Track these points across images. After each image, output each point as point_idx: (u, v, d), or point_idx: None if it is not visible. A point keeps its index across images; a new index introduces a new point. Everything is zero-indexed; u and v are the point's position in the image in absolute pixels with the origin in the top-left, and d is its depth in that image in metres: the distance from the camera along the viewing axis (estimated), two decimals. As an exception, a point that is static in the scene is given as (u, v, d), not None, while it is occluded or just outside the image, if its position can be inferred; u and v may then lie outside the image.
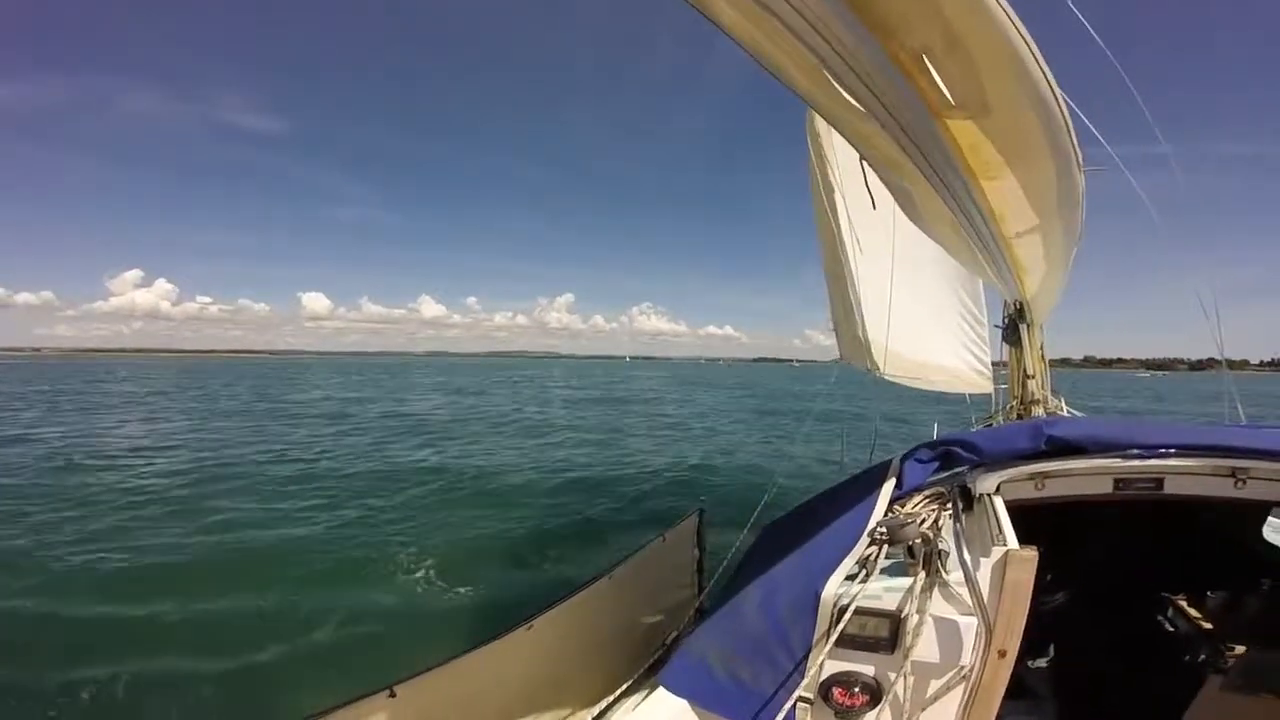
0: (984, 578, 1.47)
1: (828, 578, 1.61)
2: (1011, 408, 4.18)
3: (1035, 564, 1.41)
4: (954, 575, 1.52)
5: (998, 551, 1.48)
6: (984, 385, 5.78)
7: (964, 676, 1.43)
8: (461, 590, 5.73)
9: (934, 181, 1.39)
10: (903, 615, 1.47)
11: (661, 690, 1.74)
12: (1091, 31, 1.75)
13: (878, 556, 1.68)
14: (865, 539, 1.77)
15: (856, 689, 1.49)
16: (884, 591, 1.54)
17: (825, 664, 1.52)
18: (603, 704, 2.14)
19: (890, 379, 5.15)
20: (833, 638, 1.48)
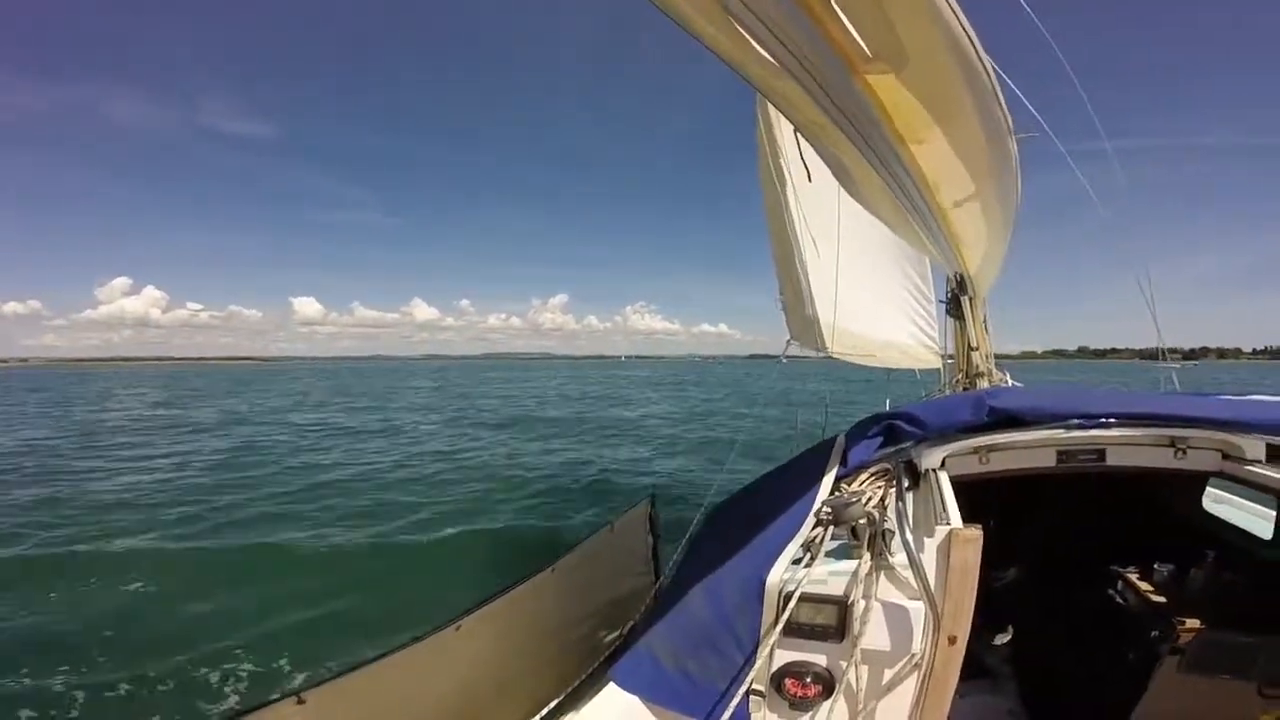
0: (929, 560, 1.36)
1: (773, 563, 1.50)
2: (958, 381, 4.14)
3: (980, 544, 1.31)
4: (899, 558, 1.41)
5: (942, 531, 1.38)
6: (932, 360, 5.71)
7: (916, 664, 1.33)
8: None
9: (860, 146, 1.28)
10: (850, 601, 1.36)
11: (612, 686, 1.62)
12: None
13: (823, 539, 1.56)
14: (811, 520, 1.65)
15: (808, 679, 1.38)
16: (829, 576, 1.42)
17: (776, 654, 1.41)
18: (553, 703, 2.03)
19: (839, 357, 5.07)
20: (779, 627, 1.37)
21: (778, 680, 1.42)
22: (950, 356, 5.67)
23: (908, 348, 5.64)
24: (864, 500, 1.66)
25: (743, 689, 1.39)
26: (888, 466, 1.94)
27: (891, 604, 1.34)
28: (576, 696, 2.05)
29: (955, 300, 3.78)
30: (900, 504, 1.66)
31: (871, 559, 1.41)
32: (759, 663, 1.41)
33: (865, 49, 0.93)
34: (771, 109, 4.46)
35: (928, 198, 1.64)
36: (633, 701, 1.56)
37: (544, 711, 2.03)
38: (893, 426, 2.00)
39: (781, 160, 4.48)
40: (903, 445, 2.01)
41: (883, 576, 1.39)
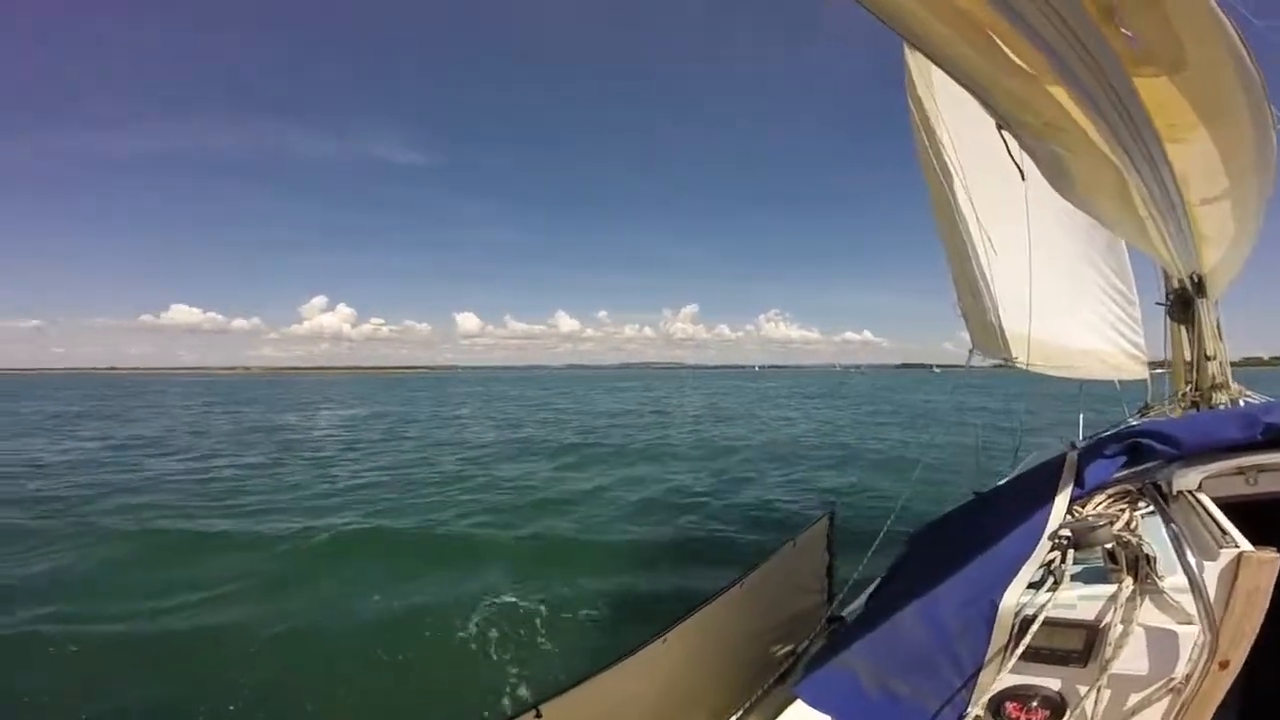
0: (1209, 583, 1.28)
1: (1005, 586, 1.45)
2: (1183, 395, 3.60)
3: (1277, 568, 1.22)
4: (1169, 581, 1.32)
5: (1226, 554, 1.29)
6: (1137, 370, 4.99)
7: (1172, 688, 1.26)
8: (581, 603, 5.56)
9: (1111, 145, 1.22)
10: (1101, 625, 1.31)
11: (799, 704, 1.62)
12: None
13: (1062, 562, 1.50)
14: (1045, 544, 1.57)
15: (1035, 703, 1.34)
16: (1078, 600, 1.37)
17: (1000, 678, 1.38)
18: (733, 717, 2.04)
19: (1031, 368, 4.59)
20: (1018, 651, 1.33)
21: (997, 705, 1.37)
22: (1160, 365, 4.94)
23: (1108, 356, 4.97)
24: (1110, 523, 1.57)
25: (956, 712, 1.37)
26: (1130, 488, 1.80)
27: (1155, 628, 1.28)
28: (754, 711, 2.07)
29: (1183, 303, 3.28)
30: (1168, 526, 1.54)
31: (1135, 583, 1.34)
32: (979, 686, 1.37)
33: (1138, 55, 0.90)
34: (929, 101, 4.18)
35: (1177, 194, 1.50)
36: (824, 719, 1.56)
37: None
38: (1138, 445, 1.83)
39: (945, 155, 4.19)
40: (1149, 465, 1.84)
41: (1147, 601, 1.31)
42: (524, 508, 9.11)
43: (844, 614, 2.60)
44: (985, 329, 4.72)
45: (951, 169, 4.15)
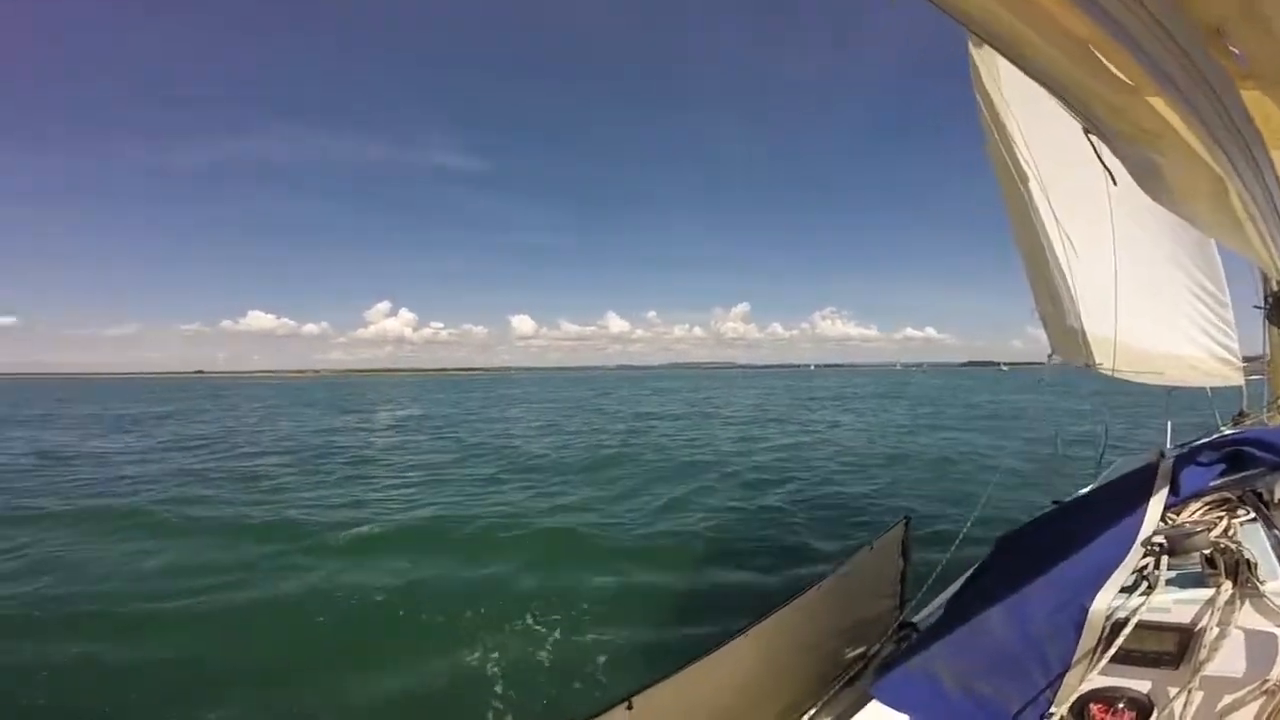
0: None
1: (1097, 590, 1.48)
2: None
3: None
4: (1270, 586, 1.35)
5: None
6: (1230, 375, 4.74)
7: (1267, 690, 1.26)
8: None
9: (1212, 152, 1.22)
10: (1197, 628, 1.34)
11: (874, 705, 1.67)
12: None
13: (1156, 567, 1.52)
14: (1138, 549, 1.59)
15: (1120, 705, 1.37)
16: (1173, 604, 1.40)
17: (1086, 680, 1.41)
18: (804, 717, 2.08)
19: (1116, 374, 4.42)
20: (1108, 653, 1.36)
21: (1080, 706, 1.40)
22: (1256, 371, 4.67)
23: (1199, 361, 4.73)
24: (1208, 529, 1.59)
25: (1038, 713, 1.39)
26: (1229, 495, 1.79)
27: (1254, 631, 1.31)
28: (824, 712, 2.11)
29: (1284, 305, 3.13)
30: (1273, 532, 1.56)
31: (1234, 587, 1.36)
32: (1064, 688, 1.40)
33: (1243, 69, 0.91)
34: (998, 97, 4.04)
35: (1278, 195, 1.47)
36: (899, 719, 1.61)
37: None
38: (1239, 453, 1.81)
39: (1019, 153, 4.07)
40: (1249, 473, 1.82)
41: (1246, 604, 1.34)
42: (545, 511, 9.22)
43: (916, 620, 2.61)
44: (1066, 333, 4.56)
45: (1026, 168, 4.04)
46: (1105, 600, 1.44)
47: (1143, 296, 4.50)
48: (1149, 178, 1.73)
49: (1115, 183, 1.87)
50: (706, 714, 1.97)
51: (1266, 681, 1.26)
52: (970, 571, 2.47)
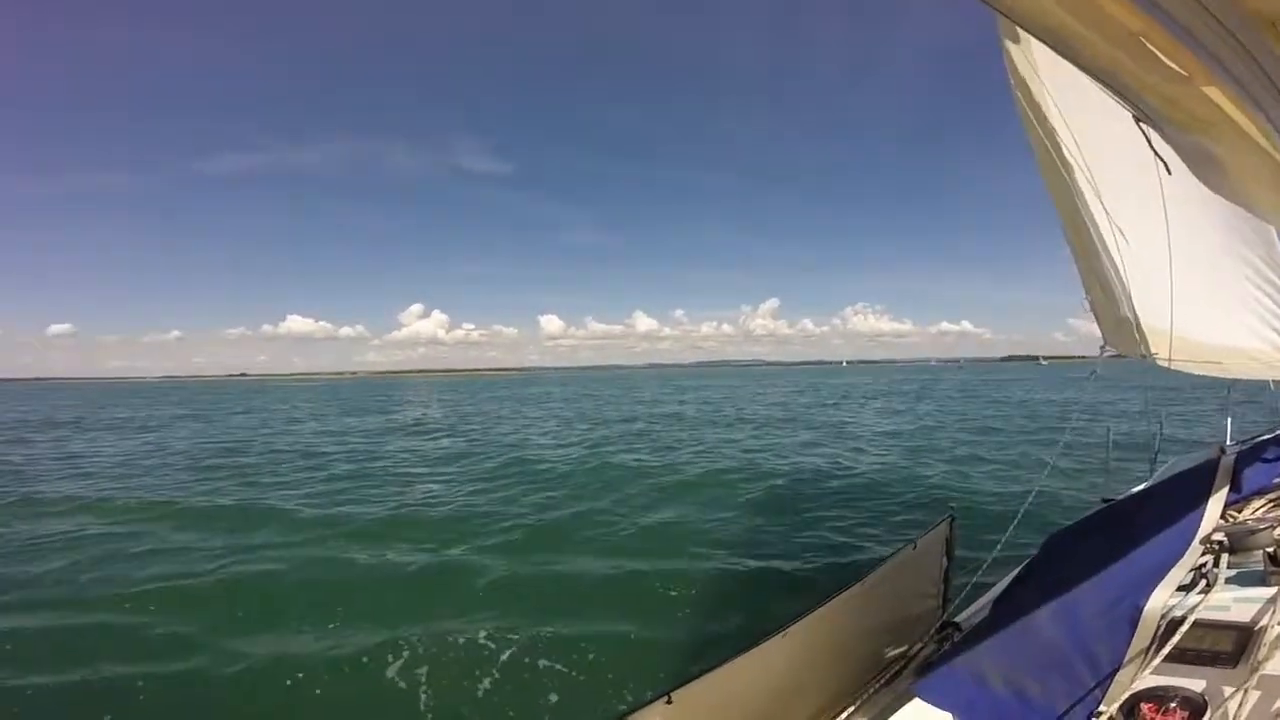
0: None
1: (1152, 588, 1.45)
2: None
3: None
4: None
5: None
6: None
7: None
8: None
9: (1271, 140, 1.20)
10: (1257, 627, 1.30)
11: (917, 702, 1.64)
12: None
13: (1216, 565, 1.49)
14: (1196, 547, 1.56)
15: (1173, 704, 1.31)
16: (1233, 603, 1.37)
17: (1138, 680, 1.38)
18: (844, 715, 2.07)
19: (1173, 365, 4.26)
20: (1163, 652, 1.33)
21: (1131, 705, 1.36)
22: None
23: (1260, 353, 4.54)
24: (1273, 528, 1.54)
25: (1086, 711, 1.37)
26: None
27: None
28: (863, 711, 2.08)
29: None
30: None
31: None
32: (1115, 686, 1.37)
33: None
34: (1036, 84, 3.92)
35: None
36: (942, 718, 1.59)
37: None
38: None
39: (1061, 143, 3.96)
40: None
41: None
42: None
43: (959, 619, 2.58)
44: (1119, 324, 4.38)
45: (1070, 158, 3.93)
46: (1161, 598, 1.41)
47: (1199, 286, 4.34)
48: (1204, 167, 1.69)
49: (1170, 172, 1.84)
50: (743, 710, 1.97)
51: None
52: (1017, 571, 2.42)
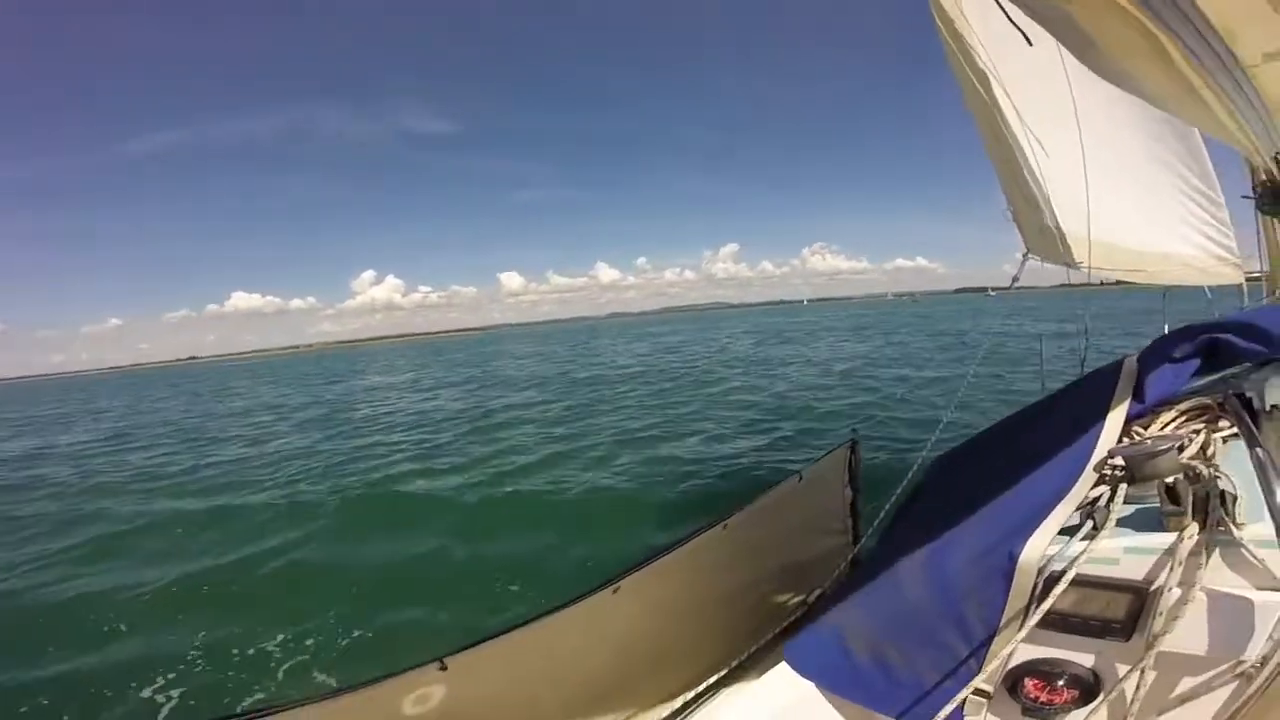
0: None
1: (1029, 533, 1.18)
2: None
3: None
4: (1249, 531, 1.04)
5: None
6: (1229, 274, 4.55)
7: (1241, 674, 1.01)
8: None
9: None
10: (1152, 588, 1.05)
11: (784, 665, 1.39)
12: None
13: (1110, 502, 1.20)
14: (1089, 476, 1.27)
15: (1060, 681, 1.12)
16: (1123, 554, 1.10)
17: (1019, 649, 1.14)
18: (718, 674, 1.83)
19: (1096, 272, 4.11)
20: (1034, 617, 1.09)
21: (1014, 679, 1.17)
22: (1253, 274, 4.48)
23: (1193, 259, 4.52)
24: (1178, 447, 1.24)
25: (963, 690, 1.14)
26: (1208, 401, 1.46)
27: (1226, 594, 1.02)
28: (746, 669, 1.87)
29: (1273, 193, 2.89)
30: (1255, 452, 1.18)
31: (1202, 531, 1.07)
32: (991, 659, 1.15)
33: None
34: (961, 25, 3.73)
35: (1225, 54, 1.24)
36: (808, 687, 1.37)
37: (708, 683, 1.83)
38: (1216, 344, 1.47)
39: (976, 57, 3.79)
40: (1231, 372, 1.52)
41: (1216, 555, 1.05)
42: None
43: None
44: (1042, 232, 4.29)
45: (986, 71, 3.78)
46: (1039, 545, 1.14)
47: (1127, 195, 4.33)
48: (1073, 41, 1.49)
49: (1030, 43, 1.64)
50: (557, 674, 1.68)
51: (1241, 663, 1.01)
52: (897, 507, 2.14)
